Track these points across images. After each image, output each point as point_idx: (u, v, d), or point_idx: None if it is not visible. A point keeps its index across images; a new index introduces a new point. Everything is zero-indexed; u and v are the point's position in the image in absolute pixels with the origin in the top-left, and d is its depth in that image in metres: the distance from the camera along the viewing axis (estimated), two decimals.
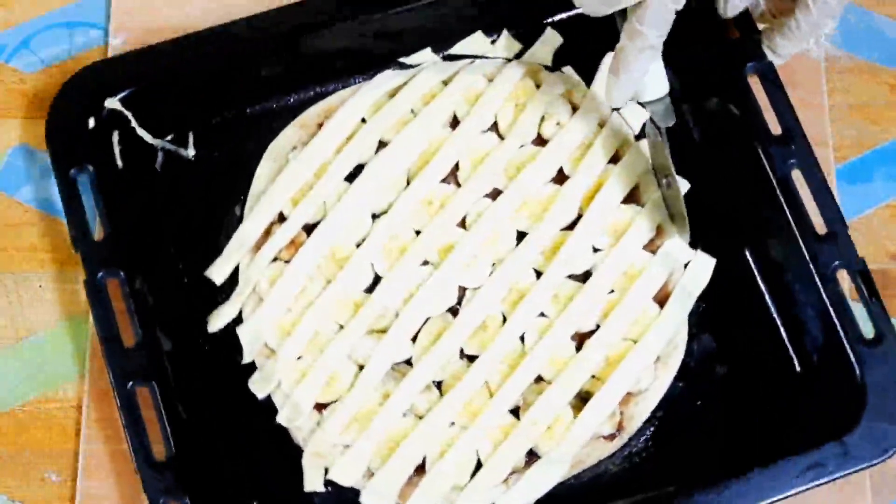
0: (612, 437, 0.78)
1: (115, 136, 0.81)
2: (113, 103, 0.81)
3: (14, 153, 0.87)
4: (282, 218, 0.82)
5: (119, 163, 0.81)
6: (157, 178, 0.84)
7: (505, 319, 0.80)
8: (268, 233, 0.82)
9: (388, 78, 0.85)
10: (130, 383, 0.75)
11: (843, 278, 0.79)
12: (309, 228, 0.81)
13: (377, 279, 0.80)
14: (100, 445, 0.80)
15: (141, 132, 0.82)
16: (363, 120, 0.84)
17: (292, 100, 0.86)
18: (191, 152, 0.85)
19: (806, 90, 0.87)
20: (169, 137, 0.84)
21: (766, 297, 0.82)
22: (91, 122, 0.80)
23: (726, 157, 0.84)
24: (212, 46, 0.83)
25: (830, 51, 0.88)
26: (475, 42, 0.87)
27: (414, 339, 0.79)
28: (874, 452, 0.74)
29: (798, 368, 0.81)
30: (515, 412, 0.78)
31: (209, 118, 0.85)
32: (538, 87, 0.85)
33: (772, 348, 0.81)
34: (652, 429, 0.80)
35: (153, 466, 0.73)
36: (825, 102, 0.87)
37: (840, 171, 0.86)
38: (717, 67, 0.82)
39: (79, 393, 0.81)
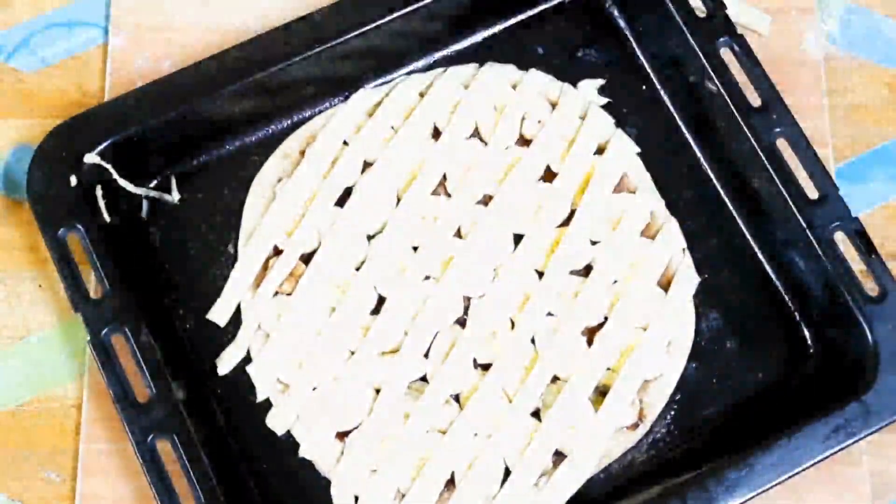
0: (634, 426, 0.78)
1: (99, 191, 0.80)
2: (92, 158, 0.79)
3: (14, 153, 0.87)
4: (277, 251, 0.81)
5: (106, 217, 0.80)
6: (145, 228, 0.83)
7: (513, 324, 0.80)
8: (265, 268, 0.81)
9: (364, 97, 0.85)
10: (151, 437, 0.74)
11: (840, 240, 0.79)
12: (306, 258, 0.81)
13: (381, 300, 0.80)
14: (100, 445, 0.80)
15: (123, 183, 0.81)
16: (345, 142, 0.84)
17: (270, 131, 0.86)
18: (175, 197, 0.84)
19: (806, 90, 0.87)
20: (152, 184, 0.83)
21: (767, 266, 0.83)
22: (73, 180, 0.79)
23: (710, 133, 0.84)
24: (182, 89, 0.81)
25: (830, 51, 0.88)
26: None
27: (426, 355, 0.79)
28: (895, 408, 0.75)
29: (807, 334, 0.81)
30: (537, 415, 0.78)
31: (189, 160, 0.85)
32: (514, 87, 0.85)
33: (779, 317, 0.82)
34: (672, 413, 0.80)
35: None
36: (825, 102, 0.87)
37: (840, 171, 0.87)
38: (690, 47, 0.83)
39: (79, 393, 0.81)
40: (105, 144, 0.80)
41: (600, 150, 0.84)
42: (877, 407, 0.75)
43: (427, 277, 0.81)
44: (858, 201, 0.85)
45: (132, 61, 0.88)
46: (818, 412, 0.75)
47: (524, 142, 0.84)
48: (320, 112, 0.86)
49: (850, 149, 0.87)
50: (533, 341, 0.79)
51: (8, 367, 0.82)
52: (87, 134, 0.80)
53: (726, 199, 0.84)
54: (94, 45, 0.89)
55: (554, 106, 0.85)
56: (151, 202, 0.83)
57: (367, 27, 0.83)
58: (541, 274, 0.81)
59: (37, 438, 0.80)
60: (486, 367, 0.79)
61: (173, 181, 0.84)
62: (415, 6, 0.83)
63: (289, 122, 0.86)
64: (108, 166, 0.80)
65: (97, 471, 0.79)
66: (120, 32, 0.89)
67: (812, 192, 0.79)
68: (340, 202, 0.82)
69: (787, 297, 0.82)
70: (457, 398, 0.79)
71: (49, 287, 0.84)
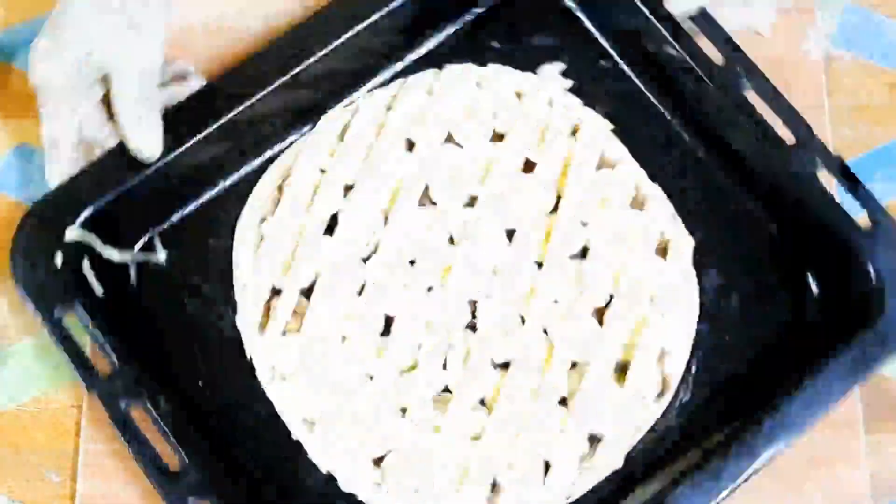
0: (660, 395, 0.79)
1: (86, 264, 0.79)
2: (73, 233, 0.78)
3: (14, 153, 0.86)
4: (275, 291, 0.81)
5: (99, 290, 0.79)
6: (139, 293, 0.82)
7: (523, 319, 0.80)
8: (267, 310, 0.80)
9: (330, 121, 0.84)
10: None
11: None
12: (306, 292, 0.80)
13: (389, 320, 0.80)
14: (100, 445, 0.79)
15: (108, 252, 0.80)
16: (322, 170, 0.83)
17: (244, 172, 0.85)
18: (162, 256, 0.83)
19: (806, 90, 0.87)
20: (138, 247, 0.83)
21: (757, 214, 0.84)
22: (58, 258, 0.77)
23: (678, 97, 0.86)
24: None
25: (830, 51, 0.88)
26: None
27: (444, 366, 0.79)
28: None
29: (809, 276, 0.82)
30: (564, 403, 0.78)
31: (168, 217, 0.84)
32: (478, 85, 0.85)
33: (777, 263, 0.83)
34: (693, 376, 0.80)
35: None
36: (825, 102, 0.87)
37: None
38: (644, 15, 0.83)
39: (79, 393, 0.80)
40: (85, 216, 0.78)
41: (575, 132, 0.84)
42: (891, 332, 0.76)
43: (430, 289, 0.81)
44: None
45: None
46: (834, 350, 0.76)
47: (498, 137, 0.84)
48: (290, 145, 0.85)
49: (850, 149, 0.86)
50: (546, 332, 0.80)
51: (8, 367, 0.82)
52: (65, 208, 0.78)
53: (705, 158, 0.85)
54: None
55: (520, 96, 0.85)
56: (139, 266, 0.82)
57: (323, 51, 0.82)
58: (540, 264, 0.81)
59: (37, 438, 0.79)
60: (504, 365, 0.79)
61: (157, 241, 0.83)
62: (364, 24, 0.82)
63: (260, 160, 0.85)
64: (92, 237, 0.79)
65: (97, 471, 0.79)
66: None
67: (789, 138, 0.80)
68: (329, 230, 0.82)
69: (782, 242, 0.83)
70: (482, 402, 0.79)
71: None
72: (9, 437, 0.80)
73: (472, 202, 0.82)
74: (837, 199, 0.79)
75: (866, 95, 0.81)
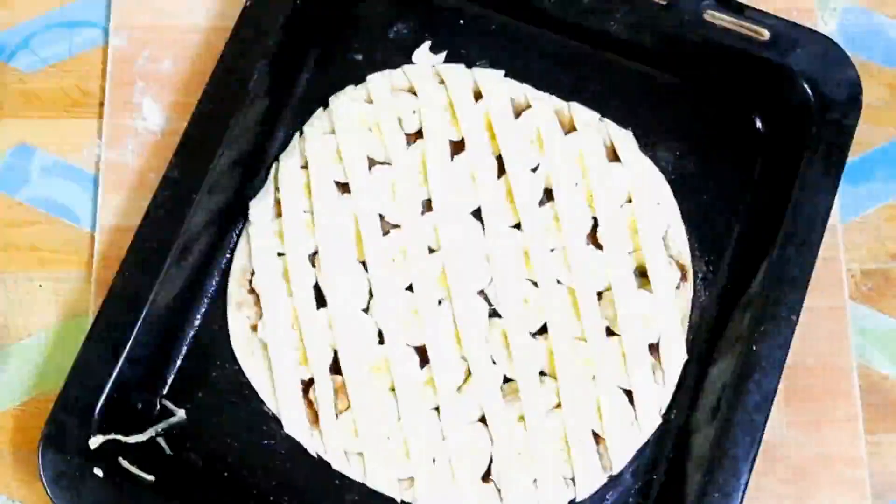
0: (683, 279, 0.82)
1: (123, 462, 0.76)
2: (96, 440, 0.75)
3: (14, 153, 0.87)
4: (307, 382, 0.80)
5: (148, 477, 0.76)
6: (179, 456, 0.79)
7: (535, 283, 0.81)
8: (310, 404, 0.79)
9: (260, 210, 0.83)
10: None
11: None
12: (333, 367, 0.80)
13: (420, 348, 0.80)
14: None
15: (133, 440, 0.77)
16: (279, 254, 0.82)
17: (209, 295, 0.82)
18: (181, 414, 0.80)
19: None
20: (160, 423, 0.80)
21: (670, 80, 0.86)
22: (98, 472, 0.74)
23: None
24: (117, 322, 0.77)
25: None
26: None
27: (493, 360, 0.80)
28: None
29: (756, 118, 0.85)
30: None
31: (165, 376, 0.81)
32: (370, 102, 0.85)
33: (718, 112, 0.85)
34: (699, 252, 0.83)
35: None
36: None
37: None
38: None
39: None
40: (98, 414, 0.75)
41: (477, 99, 0.85)
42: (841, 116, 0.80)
43: (440, 302, 0.81)
44: (859, 201, 0.86)
45: (132, 61, 0.88)
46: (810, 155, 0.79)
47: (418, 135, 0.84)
48: (235, 245, 0.83)
49: (850, 149, 0.82)
50: (559, 281, 0.81)
51: (8, 367, 0.82)
52: (77, 424, 0.75)
53: (604, 55, 0.86)
54: (94, 45, 0.89)
55: (478, 97, 0.85)
56: (169, 436, 0.79)
57: (220, 153, 0.79)
58: (518, 226, 0.82)
59: (37, 438, 0.76)
60: (541, 331, 0.80)
61: (168, 404, 0.80)
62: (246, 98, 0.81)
63: (217, 273, 0.82)
64: (113, 435, 0.76)
65: None
66: (120, 32, 0.88)
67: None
68: (319, 301, 0.81)
69: (705, 89, 0.85)
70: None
71: (49, 287, 0.84)
72: (9, 437, 0.81)
73: (427, 207, 0.83)
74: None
75: (866, 95, 0.79)
